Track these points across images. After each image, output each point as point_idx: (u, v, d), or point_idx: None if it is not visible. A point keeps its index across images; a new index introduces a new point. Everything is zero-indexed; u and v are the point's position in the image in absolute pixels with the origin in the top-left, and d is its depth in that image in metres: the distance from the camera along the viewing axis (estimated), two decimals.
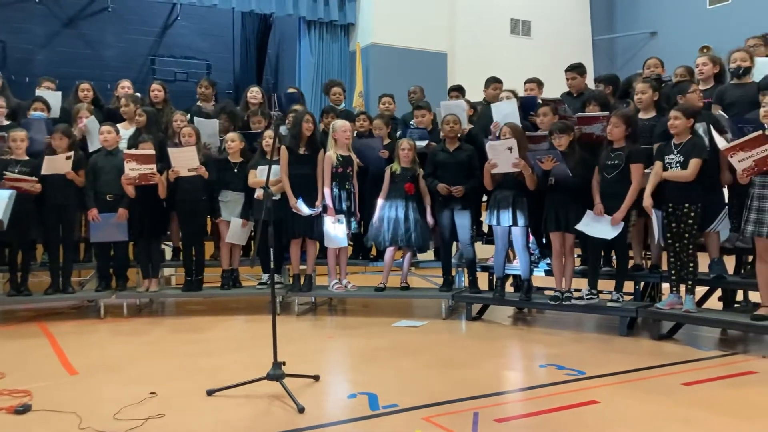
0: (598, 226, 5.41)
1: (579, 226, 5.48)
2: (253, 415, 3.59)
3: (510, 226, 5.81)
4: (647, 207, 5.21)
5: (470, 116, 6.76)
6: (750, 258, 5.54)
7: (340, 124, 6.44)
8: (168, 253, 7.37)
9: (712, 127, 5.22)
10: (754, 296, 5.29)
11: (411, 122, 7.17)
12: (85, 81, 7.20)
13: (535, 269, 6.28)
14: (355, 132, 6.91)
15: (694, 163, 4.99)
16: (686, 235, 5.09)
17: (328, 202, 6.29)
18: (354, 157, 6.51)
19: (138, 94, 7.29)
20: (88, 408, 3.65)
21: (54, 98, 6.90)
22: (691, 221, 5.07)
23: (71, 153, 6.18)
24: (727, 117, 5.29)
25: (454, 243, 6.57)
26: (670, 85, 6.10)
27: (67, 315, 6.68)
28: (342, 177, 6.37)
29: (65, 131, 6.25)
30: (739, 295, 5.91)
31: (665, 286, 5.48)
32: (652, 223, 5.31)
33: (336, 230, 6.29)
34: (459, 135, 6.28)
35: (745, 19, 11.16)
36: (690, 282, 5.16)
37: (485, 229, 6.86)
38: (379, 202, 6.39)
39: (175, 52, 12.83)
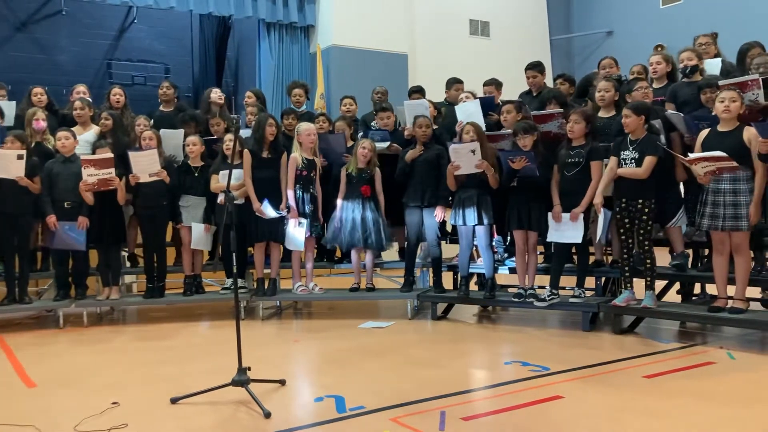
0: (565, 231, 5.46)
1: (550, 238, 5.57)
2: (219, 422, 3.55)
3: (474, 225, 5.85)
4: (597, 205, 5.29)
5: (434, 117, 6.80)
6: (707, 251, 5.68)
7: (305, 127, 6.39)
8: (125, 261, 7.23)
9: (664, 122, 5.34)
10: (712, 289, 5.42)
11: (372, 123, 7.18)
12: (38, 86, 7.01)
13: (499, 267, 6.34)
14: None
15: (648, 161, 5.06)
16: (642, 231, 5.17)
17: (292, 203, 6.25)
18: (318, 161, 6.47)
19: (89, 99, 7.14)
20: (48, 420, 3.57)
21: (8, 108, 6.70)
22: (645, 217, 5.13)
23: (23, 152, 5.97)
24: (682, 115, 5.39)
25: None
26: (625, 83, 6.22)
27: (25, 326, 6.52)
28: (306, 180, 6.32)
29: (18, 136, 6.08)
30: (697, 288, 6.05)
31: None
32: (597, 221, 5.39)
33: (296, 232, 6.25)
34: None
35: (696, 18, 11.46)
36: (649, 278, 5.24)
37: (449, 228, 6.89)
38: (339, 202, 6.37)
39: (133, 56, 12.60)
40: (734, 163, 4.58)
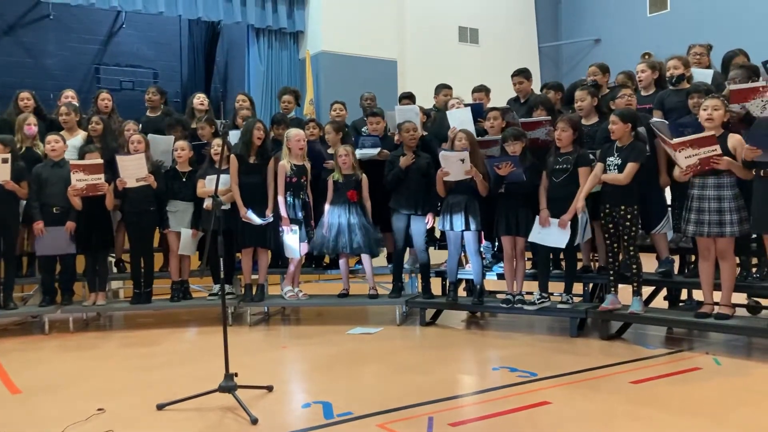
0: (550, 235, 5.48)
1: (531, 238, 5.57)
2: (205, 428, 3.53)
3: (462, 231, 5.86)
4: (578, 209, 5.32)
5: (423, 123, 6.81)
6: (693, 257, 5.71)
7: (294, 133, 6.37)
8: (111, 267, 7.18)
9: (648, 130, 5.38)
10: (698, 295, 5.45)
11: (363, 129, 7.17)
12: (25, 90, 6.95)
13: (487, 273, 6.35)
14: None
15: (630, 167, 5.10)
16: (626, 237, 5.20)
17: (283, 211, 6.22)
18: (308, 166, 6.46)
19: (76, 104, 7.09)
20: (31, 427, 3.55)
21: None
22: (628, 223, 5.17)
23: (8, 156, 5.92)
24: (666, 122, 5.43)
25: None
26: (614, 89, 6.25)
27: (9, 332, 6.46)
28: (296, 186, 6.30)
29: (4, 140, 6.03)
30: (684, 294, 6.08)
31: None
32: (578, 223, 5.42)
33: (290, 240, 6.22)
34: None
35: (682, 25, 11.58)
36: (635, 284, 5.27)
37: (437, 234, 6.89)
38: (326, 207, 6.35)
39: (121, 61, 12.55)
40: (717, 147, 4.61)
